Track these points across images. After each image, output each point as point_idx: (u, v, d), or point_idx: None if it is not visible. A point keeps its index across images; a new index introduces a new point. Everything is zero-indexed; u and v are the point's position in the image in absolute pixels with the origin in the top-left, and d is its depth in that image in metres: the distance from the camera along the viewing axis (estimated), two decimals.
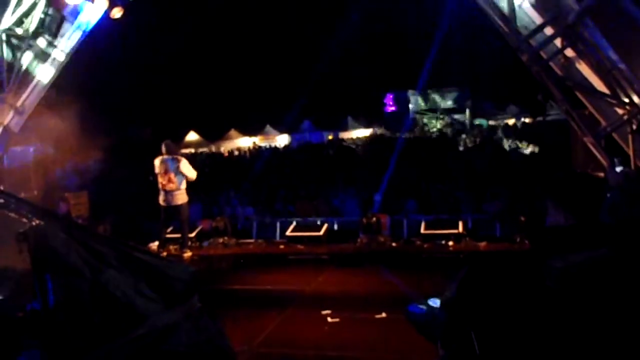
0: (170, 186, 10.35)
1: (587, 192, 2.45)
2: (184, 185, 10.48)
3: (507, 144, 23.39)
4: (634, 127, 7.79)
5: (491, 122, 37.48)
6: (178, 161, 10.45)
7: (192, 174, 10.52)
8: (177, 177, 10.36)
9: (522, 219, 10.09)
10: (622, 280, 1.83)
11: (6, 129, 10.26)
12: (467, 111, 39.57)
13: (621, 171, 8.04)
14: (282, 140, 43.77)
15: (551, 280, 1.66)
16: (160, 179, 10.42)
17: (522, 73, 8.82)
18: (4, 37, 9.68)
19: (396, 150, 19.45)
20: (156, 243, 10.86)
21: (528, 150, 21.24)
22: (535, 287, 1.57)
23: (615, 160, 8.28)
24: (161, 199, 10.47)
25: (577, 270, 1.88)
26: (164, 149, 10.53)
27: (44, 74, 10.33)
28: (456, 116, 40.69)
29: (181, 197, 10.47)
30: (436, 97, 42.89)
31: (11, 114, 10.29)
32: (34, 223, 3.01)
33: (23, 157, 11.64)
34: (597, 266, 1.88)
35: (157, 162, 10.47)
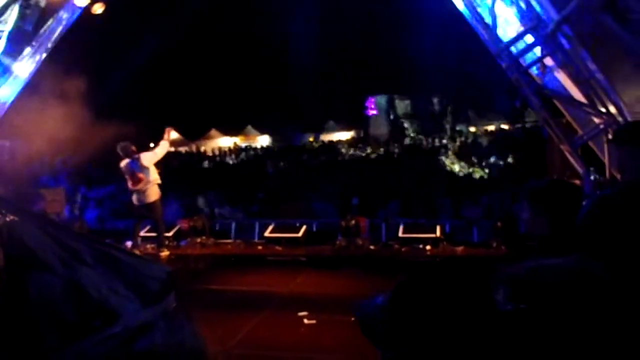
0: (140, 185, 10.25)
1: (567, 198, 2.46)
2: (153, 177, 10.34)
3: (456, 166, 22.44)
4: (610, 136, 7.92)
5: (472, 129, 37.82)
6: (138, 159, 10.33)
7: (156, 156, 10.42)
8: (143, 173, 10.27)
9: (499, 224, 10.20)
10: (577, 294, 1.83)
11: None
12: (449, 117, 39.86)
13: (595, 180, 8.18)
14: (263, 141, 43.73)
15: (495, 292, 1.64)
16: (128, 182, 10.35)
17: (502, 80, 8.93)
18: None
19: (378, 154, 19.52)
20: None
21: (477, 175, 20.35)
22: (476, 300, 1.54)
23: (590, 169, 8.42)
24: (134, 198, 10.40)
25: (520, 281, 1.88)
26: (121, 153, 10.40)
27: (23, 69, 10.20)
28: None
29: (153, 194, 10.36)
30: (418, 102, 43.21)
31: None
32: (7, 219, 2.97)
33: None
34: (547, 276, 1.89)
35: (121, 165, 10.40)
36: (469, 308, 1.48)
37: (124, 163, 10.36)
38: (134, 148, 10.38)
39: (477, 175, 20.30)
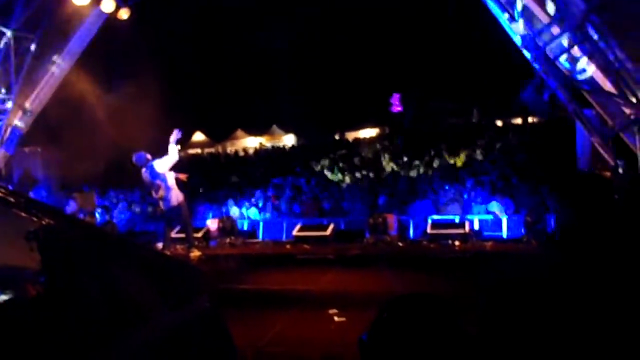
0: (160, 193, 10.32)
1: (595, 191, 2.41)
2: (170, 182, 10.38)
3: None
4: None
5: (498, 123, 37.30)
6: (152, 167, 10.37)
7: (167, 161, 10.36)
8: (159, 180, 10.33)
9: (529, 219, 10.06)
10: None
11: (15, 129, 10.34)
12: (475, 110, 39.35)
13: (624, 173, 8.03)
14: (288, 140, 43.81)
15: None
16: (150, 189, 10.46)
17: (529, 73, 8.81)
18: (12, 39, 9.73)
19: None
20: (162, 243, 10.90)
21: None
22: (444, 333, 1.57)
23: (619, 162, 8.27)
24: (160, 203, 10.49)
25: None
26: (137, 164, 10.44)
27: (51, 75, 10.40)
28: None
29: (174, 198, 10.43)
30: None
31: (19, 114, 10.37)
32: (43, 222, 3.03)
33: (31, 157, 11.71)
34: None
35: (142, 174, 10.46)
36: (439, 341, 1.52)
37: (143, 173, 10.43)
38: (148, 156, 10.38)
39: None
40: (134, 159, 10.41)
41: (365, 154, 22.82)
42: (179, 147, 10.49)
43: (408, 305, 1.64)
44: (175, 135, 10.43)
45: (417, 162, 17.97)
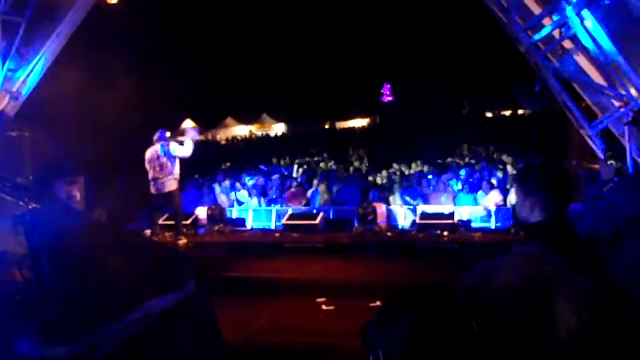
0: (163, 173, 10.29)
1: (556, 182, 2.34)
2: (175, 170, 10.42)
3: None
4: (631, 119, 7.81)
5: (488, 114, 37.45)
6: (168, 145, 10.42)
7: (183, 150, 10.45)
8: (169, 162, 10.34)
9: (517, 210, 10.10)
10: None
11: (2, 113, 10.23)
12: (465, 102, 39.48)
13: (612, 165, 8.07)
14: (278, 129, 43.73)
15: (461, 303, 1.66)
16: (150, 170, 10.38)
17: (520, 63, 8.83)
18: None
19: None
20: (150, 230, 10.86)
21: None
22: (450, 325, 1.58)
23: (608, 154, 8.31)
24: (152, 187, 10.43)
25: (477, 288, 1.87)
26: (159, 137, 10.49)
27: (40, 58, 10.28)
28: None
29: (171, 185, 10.44)
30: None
31: (7, 99, 10.25)
32: (30, 206, 3.01)
33: (18, 142, 11.59)
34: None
35: (149, 151, 10.44)
36: (446, 332, 1.52)
37: (152, 149, 10.41)
38: (168, 133, 10.49)
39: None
40: (157, 135, 10.45)
41: (355, 143, 22.84)
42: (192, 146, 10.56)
43: (414, 296, 1.63)
44: (192, 134, 10.88)
45: (406, 154, 17.99)
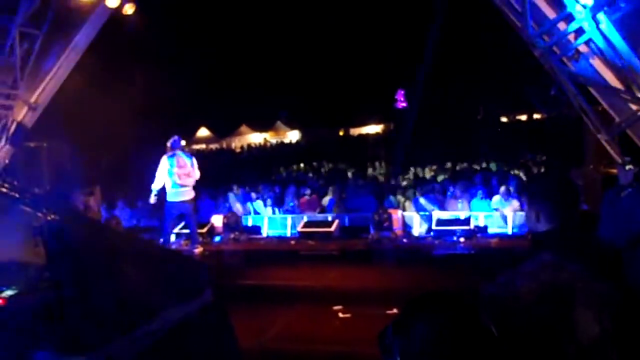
0: (188, 181, 10.31)
1: (562, 193, 2.36)
2: (195, 180, 10.51)
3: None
4: None
5: (503, 119, 37.23)
6: (192, 157, 10.51)
7: (199, 173, 10.58)
8: (195, 171, 10.40)
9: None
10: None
11: (20, 125, 10.36)
12: (480, 107, 39.23)
13: (630, 170, 7.97)
14: (293, 136, 43.82)
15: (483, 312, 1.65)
16: (177, 173, 10.30)
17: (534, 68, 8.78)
18: (17, 33, 9.73)
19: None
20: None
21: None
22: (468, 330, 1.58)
23: (626, 159, 8.20)
24: (171, 194, 10.40)
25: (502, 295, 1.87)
26: (174, 145, 10.46)
27: (57, 70, 10.40)
28: None
29: (190, 193, 10.46)
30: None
31: (25, 110, 10.38)
32: (49, 217, 3.04)
33: (36, 153, 11.72)
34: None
35: (170, 158, 10.34)
36: (465, 339, 1.52)
37: (175, 154, 10.33)
38: (183, 142, 10.55)
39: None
40: (172, 142, 10.42)
41: (369, 150, 22.83)
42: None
43: (432, 302, 1.63)
44: None
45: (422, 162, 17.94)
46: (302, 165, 21.24)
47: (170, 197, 10.35)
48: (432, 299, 1.62)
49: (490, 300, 1.83)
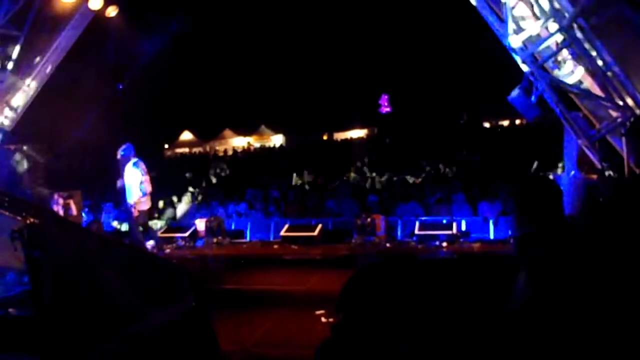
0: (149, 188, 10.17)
1: (546, 195, 2.43)
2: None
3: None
4: (627, 129, 7.83)
5: (486, 124, 37.50)
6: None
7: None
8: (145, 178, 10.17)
9: None
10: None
11: (0, 127, 10.24)
12: (463, 112, 39.52)
13: (609, 176, 8.08)
14: (277, 140, 43.77)
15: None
16: (148, 182, 10.15)
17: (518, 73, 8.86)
18: None
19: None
20: (151, 242, 10.82)
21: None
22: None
23: (605, 164, 8.31)
24: (147, 202, 10.24)
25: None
26: (133, 151, 10.22)
27: (38, 72, 10.30)
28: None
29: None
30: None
31: (5, 111, 10.27)
32: (28, 221, 3.00)
33: (16, 155, 11.59)
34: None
35: (136, 165, 10.14)
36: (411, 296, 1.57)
37: (140, 163, 10.19)
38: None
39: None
40: (130, 151, 10.11)
41: (353, 154, 22.85)
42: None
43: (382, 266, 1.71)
44: None
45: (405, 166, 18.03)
46: (285, 169, 21.14)
47: (145, 206, 10.21)
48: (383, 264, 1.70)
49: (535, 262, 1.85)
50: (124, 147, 10.15)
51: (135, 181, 10.01)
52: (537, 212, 2.33)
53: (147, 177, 10.04)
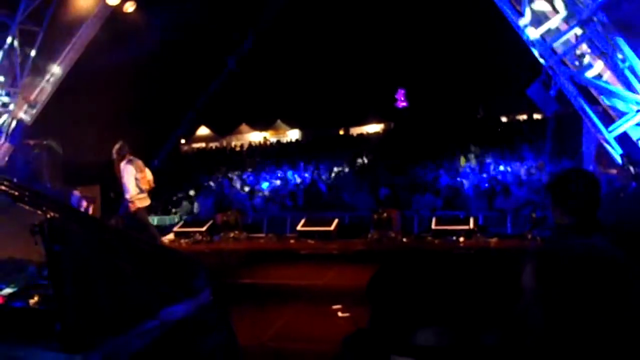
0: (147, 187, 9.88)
1: (582, 187, 2.45)
2: None
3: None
4: None
5: (503, 119, 37.21)
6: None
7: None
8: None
9: (533, 215, 10.03)
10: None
11: (20, 122, 10.36)
12: (480, 106, 39.21)
13: (628, 171, 7.97)
14: (293, 135, 43.81)
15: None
16: (146, 180, 9.84)
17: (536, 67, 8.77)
18: (17, 30, 9.73)
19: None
20: (169, 236, 10.87)
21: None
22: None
23: (624, 159, 8.20)
24: (145, 199, 9.92)
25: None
26: (127, 149, 9.85)
27: (57, 67, 10.40)
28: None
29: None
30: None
31: (24, 107, 10.39)
32: (48, 215, 3.04)
33: (36, 150, 11.72)
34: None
35: (139, 163, 9.89)
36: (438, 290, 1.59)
37: (140, 162, 9.90)
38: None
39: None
40: (124, 146, 9.77)
41: (370, 149, 22.80)
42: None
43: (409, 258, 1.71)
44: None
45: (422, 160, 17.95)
46: (302, 164, 21.17)
47: (144, 203, 9.96)
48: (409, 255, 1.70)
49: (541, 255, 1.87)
50: (117, 145, 9.94)
51: (130, 179, 9.80)
52: (571, 205, 2.36)
53: (142, 175, 9.80)
